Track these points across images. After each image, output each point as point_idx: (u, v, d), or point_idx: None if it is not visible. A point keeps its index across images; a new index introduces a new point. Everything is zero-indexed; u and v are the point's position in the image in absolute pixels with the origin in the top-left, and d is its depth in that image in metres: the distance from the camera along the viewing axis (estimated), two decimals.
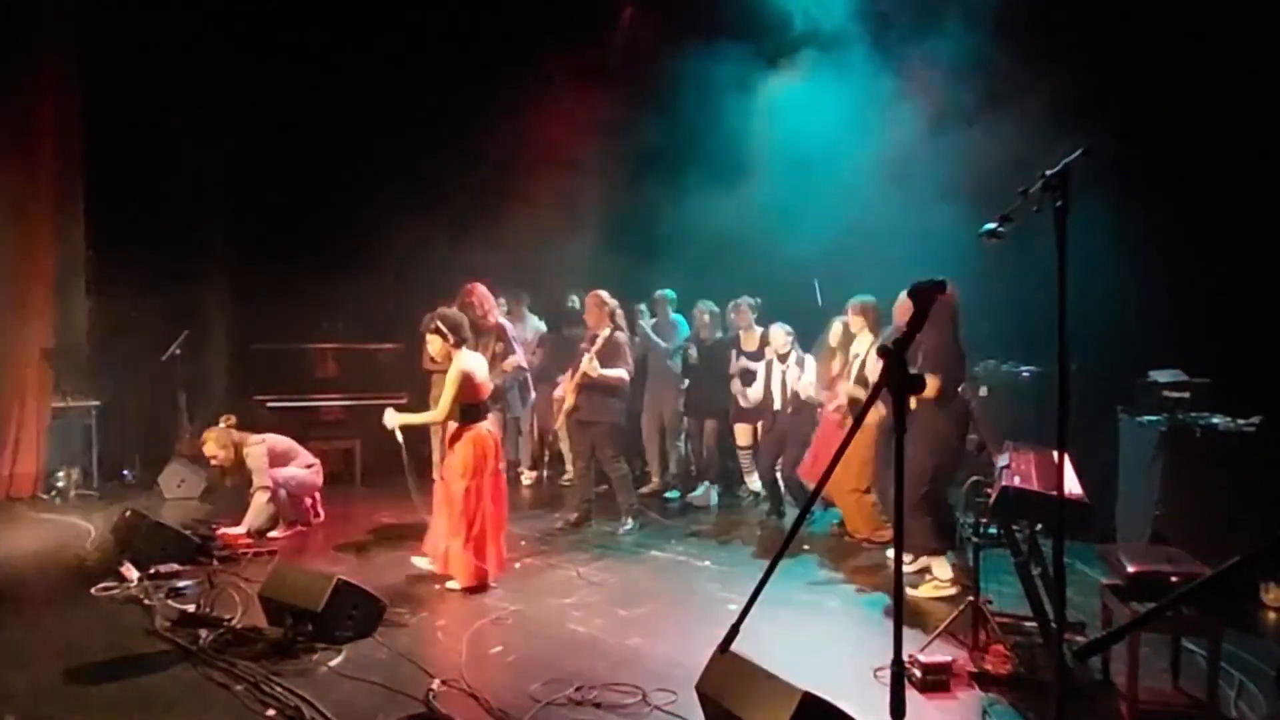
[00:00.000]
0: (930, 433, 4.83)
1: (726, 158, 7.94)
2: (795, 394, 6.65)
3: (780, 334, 6.77)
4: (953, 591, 5.02)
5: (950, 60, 6.90)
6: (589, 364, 6.24)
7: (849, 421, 5.77)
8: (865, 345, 5.99)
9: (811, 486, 5.99)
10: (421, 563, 5.39)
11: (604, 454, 6.52)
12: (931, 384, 4.76)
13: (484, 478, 5.12)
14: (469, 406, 5.16)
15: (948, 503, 5.15)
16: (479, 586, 5.07)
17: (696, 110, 8.21)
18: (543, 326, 8.54)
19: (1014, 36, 6.60)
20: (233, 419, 6.66)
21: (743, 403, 7.11)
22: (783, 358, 6.75)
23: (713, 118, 8.15)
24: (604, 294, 6.50)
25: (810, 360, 6.64)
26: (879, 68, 7.40)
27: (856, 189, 7.08)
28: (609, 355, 6.31)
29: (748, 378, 7.11)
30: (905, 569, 5.50)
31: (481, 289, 6.62)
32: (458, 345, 5.15)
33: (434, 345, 5.22)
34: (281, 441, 6.66)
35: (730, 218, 7.73)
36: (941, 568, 5.12)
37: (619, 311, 6.54)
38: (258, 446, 6.41)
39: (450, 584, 5.12)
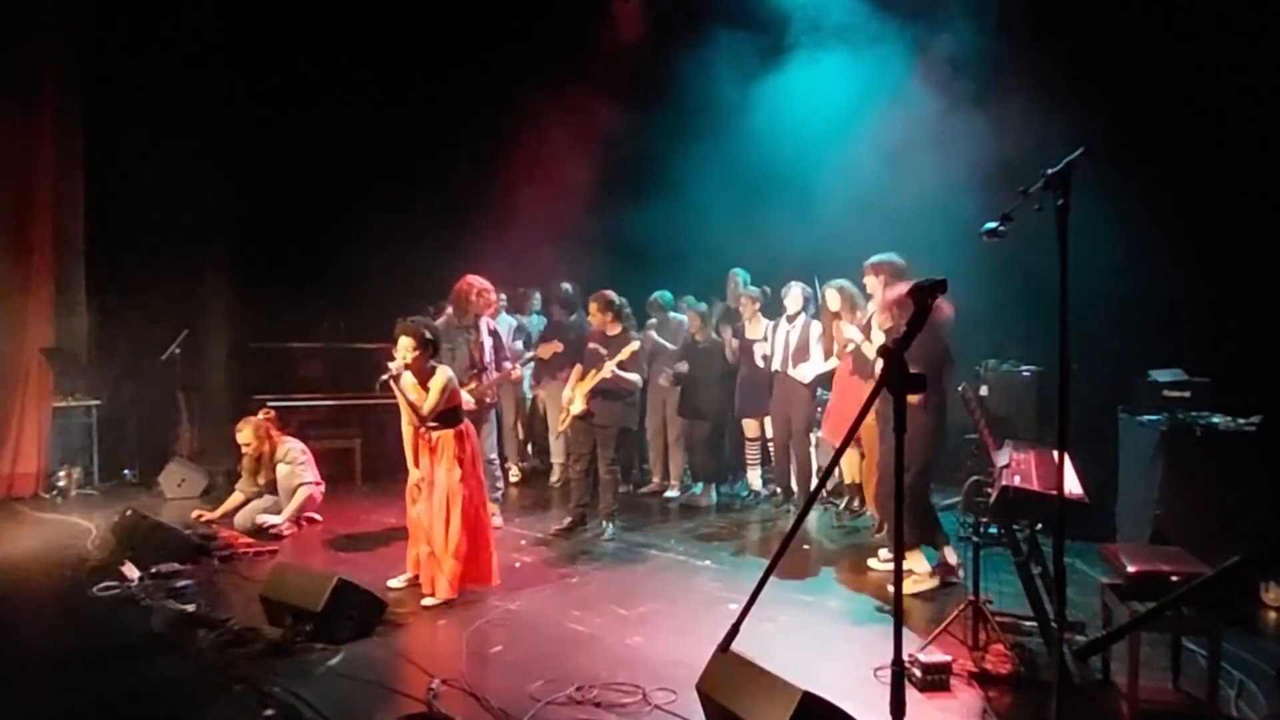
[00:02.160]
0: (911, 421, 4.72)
1: (724, 157, 7.94)
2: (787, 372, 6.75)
3: (798, 293, 6.80)
4: (933, 584, 5.02)
5: (951, 50, 6.91)
6: (609, 369, 6.16)
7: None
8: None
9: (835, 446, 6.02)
10: (397, 582, 5.04)
11: (604, 454, 6.45)
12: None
13: (472, 474, 5.00)
14: (451, 411, 4.99)
15: (928, 497, 5.13)
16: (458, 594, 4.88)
17: (691, 107, 8.21)
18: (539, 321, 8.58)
19: (1015, 28, 6.61)
20: (272, 413, 6.73)
21: (760, 364, 7.08)
22: (792, 318, 6.82)
23: (708, 115, 8.15)
24: (611, 294, 6.42)
25: (815, 343, 6.68)
26: (878, 63, 7.39)
27: (856, 186, 7.07)
28: (630, 360, 6.22)
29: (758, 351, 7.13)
30: (879, 566, 5.52)
31: (482, 280, 6.40)
32: (433, 356, 4.93)
33: (408, 350, 4.81)
34: (306, 451, 6.74)
35: (727, 217, 7.71)
36: (917, 561, 5.09)
37: (627, 311, 6.49)
38: (299, 444, 6.61)
39: (428, 600, 4.82)
